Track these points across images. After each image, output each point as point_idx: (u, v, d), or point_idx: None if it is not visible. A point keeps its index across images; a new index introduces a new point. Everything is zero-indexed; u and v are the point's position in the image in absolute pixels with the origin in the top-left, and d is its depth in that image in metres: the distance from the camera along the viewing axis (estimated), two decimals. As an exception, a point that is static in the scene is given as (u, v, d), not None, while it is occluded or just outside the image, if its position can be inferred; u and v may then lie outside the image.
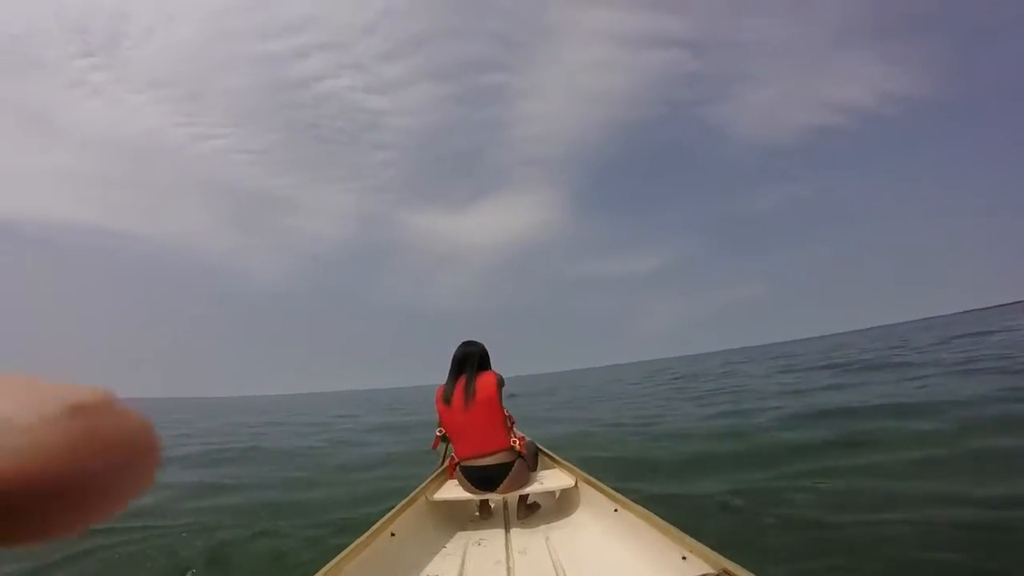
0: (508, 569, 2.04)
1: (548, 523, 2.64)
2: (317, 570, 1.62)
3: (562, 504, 2.85)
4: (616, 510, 2.27)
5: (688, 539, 1.66)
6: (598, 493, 2.51)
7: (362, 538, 1.98)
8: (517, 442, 2.77)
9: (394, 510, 2.41)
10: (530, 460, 2.88)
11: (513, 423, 2.91)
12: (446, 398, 2.78)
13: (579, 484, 2.74)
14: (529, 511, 2.82)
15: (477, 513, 2.99)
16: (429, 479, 3.03)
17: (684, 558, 1.62)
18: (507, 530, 2.61)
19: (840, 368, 13.30)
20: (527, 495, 2.81)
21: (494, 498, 2.92)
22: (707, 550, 1.54)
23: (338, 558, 1.75)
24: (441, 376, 2.90)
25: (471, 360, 2.84)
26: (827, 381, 10.78)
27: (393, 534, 2.24)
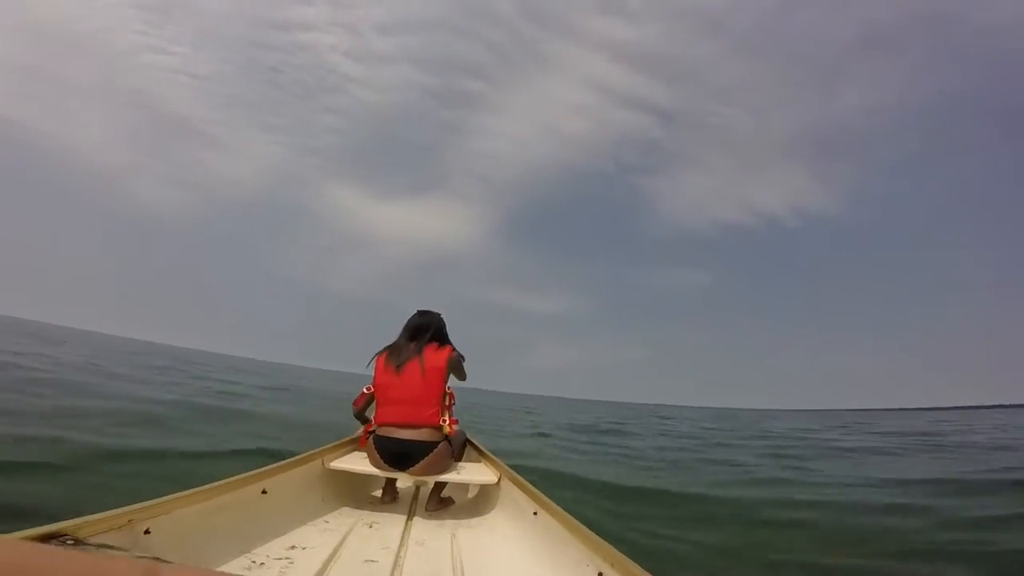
0: (397, 557, 1.80)
1: (459, 519, 2.36)
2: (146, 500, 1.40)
3: (480, 501, 2.60)
4: (535, 513, 2.02)
5: (610, 550, 1.43)
6: (521, 493, 2.24)
7: (217, 484, 1.71)
8: (447, 423, 2.47)
9: (272, 467, 2.10)
10: (456, 447, 2.59)
11: (452, 403, 2.60)
12: (388, 361, 2.51)
13: (502, 481, 2.48)
14: (441, 504, 2.52)
15: (379, 494, 2.63)
16: (332, 444, 2.70)
17: (600, 574, 1.40)
18: (409, 517, 2.33)
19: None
20: (443, 485, 2.52)
21: (404, 482, 2.58)
22: (629, 563, 1.32)
23: (177, 495, 1.51)
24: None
25: (424, 330, 2.60)
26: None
27: (265, 492, 1.98)
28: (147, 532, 1.35)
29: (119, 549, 1.13)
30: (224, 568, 1.51)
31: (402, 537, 2.05)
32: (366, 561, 1.75)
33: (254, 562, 1.62)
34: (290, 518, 2.03)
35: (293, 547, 1.78)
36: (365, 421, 2.67)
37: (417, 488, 2.71)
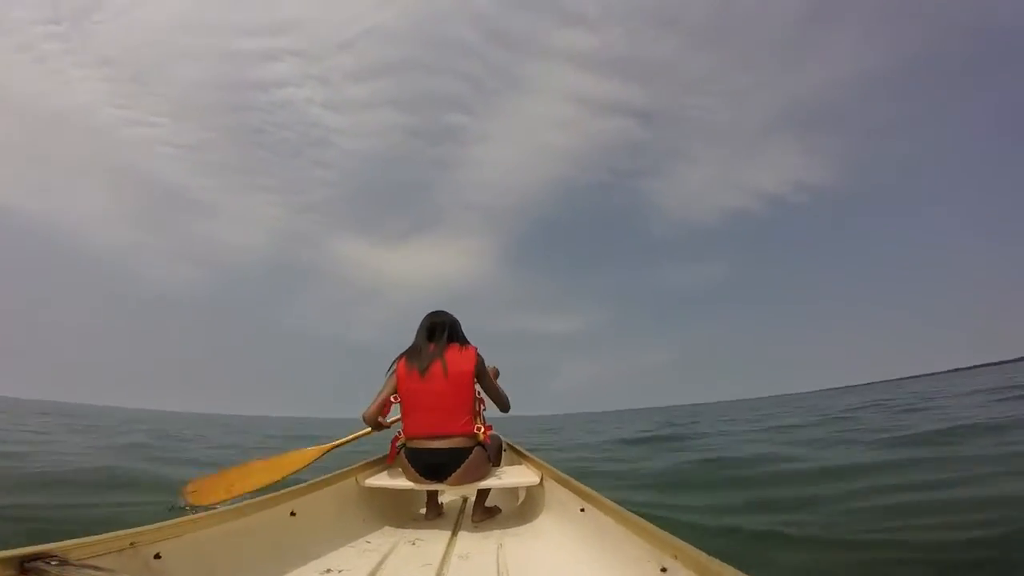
0: (438, 574, 1.70)
1: (506, 527, 2.25)
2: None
3: (526, 505, 2.49)
4: (582, 510, 1.90)
5: (672, 541, 1.25)
6: (566, 491, 2.12)
7: (239, 505, 1.66)
8: (482, 429, 2.34)
9: (300, 487, 2.04)
10: (492, 452, 2.44)
11: (483, 408, 2.47)
12: (409, 365, 2.35)
13: (545, 481, 2.34)
14: (487, 514, 2.39)
15: (423, 511, 2.50)
16: (361, 463, 2.57)
17: (664, 570, 1.22)
18: (454, 533, 2.21)
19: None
20: (486, 494, 2.40)
21: (449, 496, 2.49)
22: (697, 553, 1.12)
23: (192, 517, 1.46)
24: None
25: (440, 330, 2.45)
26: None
27: (294, 513, 1.90)
28: (157, 556, 1.28)
29: (109, 571, 1.06)
30: None
31: (445, 552, 1.95)
32: None
33: None
34: (324, 540, 1.94)
35: (328, 571, 1.68)
36: (379, 427, 2.51)
37: (465, 500, 2.59)
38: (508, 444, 2.85)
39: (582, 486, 2.00)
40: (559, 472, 2.27)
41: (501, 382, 2.64)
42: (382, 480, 2.37)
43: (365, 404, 2.43)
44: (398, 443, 2.40)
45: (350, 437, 2.79)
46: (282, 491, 1.93)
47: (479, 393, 2.42)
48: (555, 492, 2.24)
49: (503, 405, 2.57)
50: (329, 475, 2.28)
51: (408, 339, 2.50)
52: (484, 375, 2.47)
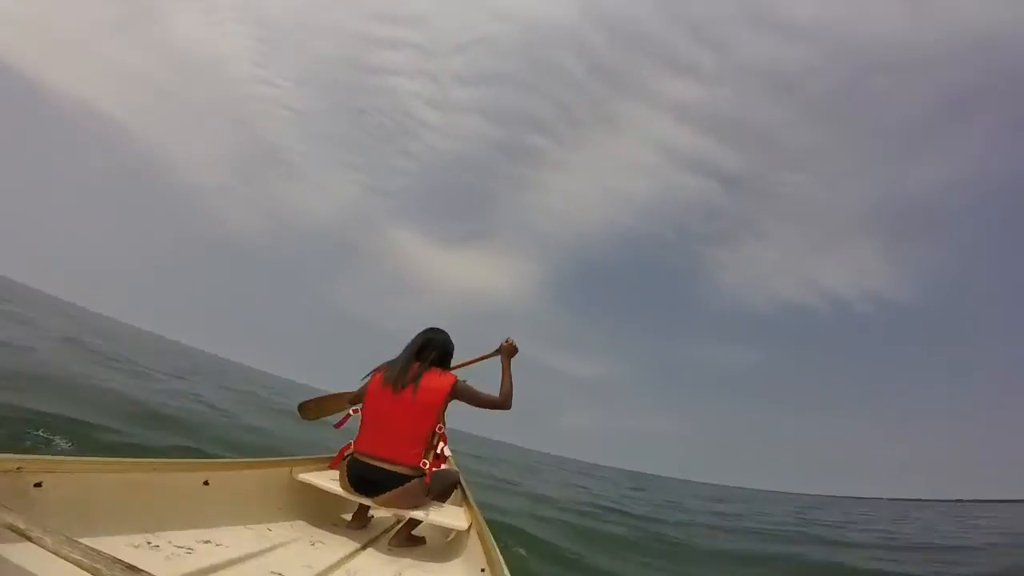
0: None
1: (418, 560, 2.20)
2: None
3: (450, 547, 2.42)
4: (483, 570, 1.90)
5: None
6: (480, 547, 2.10)
7: (149, 460, 1.69)
8: (428, 464, 2.28)
9: (222, 461, 2.08)
10: (436, 486, 2.37)
11: (443, 442, 2.40)
12: (385, 380, 2.32)
13: (472, 529, 2.28)
14: (409, 542, 2.31)
15: (348, 517, 2.47)
16: (304, 456, 2.59)
17: None
18: (363, 548, 2.18)
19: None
20: (416, 523, 2.31)
21: (382, 514, 2.44)
22: None
23: (92, 459, 1.48)
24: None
25: (429, 349, 2.42)
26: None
27: (207, 483, 1.88)
28: (38, 485, 1.29)
29: None
30: (107, 540, 1.40)
31: (338, 562, 1.91)
32: (271, 572, 1.61)
33: (148, 543, 1.52)
34: (226, 515, 1.91)
35: (207, 541, 1.66)
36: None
37: (398, 522, 2.54)
38: (464, 483, 2.79)
39: (495, 548, 1.95)
40: (486, 527, 2.22)
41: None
42: (316, 478, 2.34)
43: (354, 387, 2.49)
44: (347, 452, 2.36)
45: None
46: (200, 460, 1.91)
47: (440, 429, 2.34)
48: (474, 544, 2.21)
49: (503, 402, 2.41)
50: (263, 459, 2.26)
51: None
52: (467, 395, 2.36)
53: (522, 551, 4.02)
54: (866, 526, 14.63)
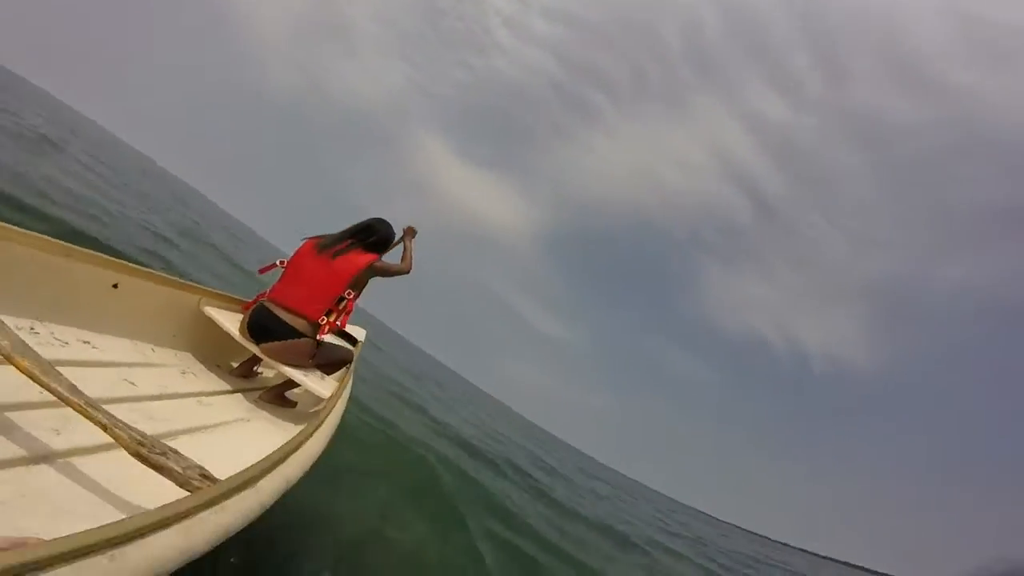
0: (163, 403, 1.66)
1: (272, 415, 2.18)
2: None
3: (311, 416, 2.34)
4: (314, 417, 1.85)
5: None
6: (333, 418, 2.01)
7: (61, 243, 1.58)
8: (327, 325, 2.34)
9: (137, 268, 1.96)
10: (325, 354, 2.43)
11: (347, 312, 2.43)
12: (318, 243, 2.41)
13: (330, 401, 2.13)
14: (277, 400, 2.36)
15: (234, 364, 2.55)
16: (219, 291, 2.51)
17: None
18: (232, 392, 2.19)
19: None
20: (292, 384, 2.35)
21: (271, 371, 2.54)
22: None
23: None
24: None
25: (369, 232, 2.51)
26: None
27: (116, 286, 1.83)
28: None
29: None
30: None
31: (196, 392, 1.91)
32: (124, 380, 1.60)
33: (32, 328, 1.49)
34: (119, 324, 1.88)
35: (87, 342, 1.65)
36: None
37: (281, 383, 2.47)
38: (354, 368, 2.73)
39: (335, 422, 1.96)
40: (342, 403, 2.21)
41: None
42: (219, 315, 2.30)
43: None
44: (258, 298, 2.38)
45: None
46: (120, 261, 1.85)
47: (350, 295, 2.39)
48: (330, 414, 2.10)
49: (407, 267, 2.62)
50: (178, 279, 2.22)
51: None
52: (382, 269, 2.49)
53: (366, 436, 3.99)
54: (690, 534, 15.72)
